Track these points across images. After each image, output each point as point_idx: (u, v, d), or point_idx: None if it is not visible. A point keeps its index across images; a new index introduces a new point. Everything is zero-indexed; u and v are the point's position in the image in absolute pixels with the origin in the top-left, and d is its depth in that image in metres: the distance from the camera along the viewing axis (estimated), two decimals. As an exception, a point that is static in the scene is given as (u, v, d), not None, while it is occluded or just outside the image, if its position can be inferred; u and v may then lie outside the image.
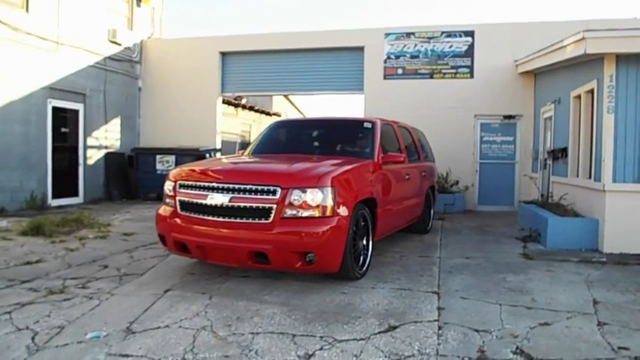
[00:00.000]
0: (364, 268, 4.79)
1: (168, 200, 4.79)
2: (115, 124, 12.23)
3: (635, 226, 5.89)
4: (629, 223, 5.90)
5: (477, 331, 3.34)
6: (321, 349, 3.03)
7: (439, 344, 3.12)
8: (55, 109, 10.25)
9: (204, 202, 4.34)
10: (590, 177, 6.65)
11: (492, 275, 4.90)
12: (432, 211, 7.87)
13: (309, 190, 4.09)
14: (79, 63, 10.83)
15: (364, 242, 4.87)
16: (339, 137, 5.99)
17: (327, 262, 4.18)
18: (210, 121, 12.59)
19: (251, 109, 18.89)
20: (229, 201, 4.20)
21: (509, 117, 10.84)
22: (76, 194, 10.96)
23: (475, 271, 5.05)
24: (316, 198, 4.10)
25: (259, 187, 4.15)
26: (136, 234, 7.16)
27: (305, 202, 4.08)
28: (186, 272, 4.94)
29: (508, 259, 5.70)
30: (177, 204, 4.60)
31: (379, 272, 4.97)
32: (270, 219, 4.08)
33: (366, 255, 4.88)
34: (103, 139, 11.78)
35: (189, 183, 4.54)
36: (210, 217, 4.30)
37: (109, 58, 11.84)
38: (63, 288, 4.36)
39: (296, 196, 4.09)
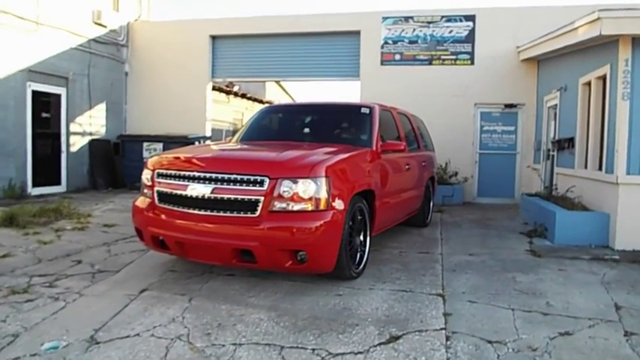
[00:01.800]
0: (361, 267, 4.38)
1: (145, 191, 4.35)
2: (100, 109, 11.69)
3: (649, 222, 5.52)
4: (643, 219, 5.53)
5: (489, 342, 2.94)
6: (312, 364, 2.63)
7: (448, 359, 2.72)
8: (35, 93, 9.70)
9: (184, 193, 3.90)
10: (600, 169, 6.25)
11: (500, 274, 4.51)
12: (431, 204, 7.47)
13: (300, 181, 3.66)
14: (61, 45, 10.27)
15: (361, 238, 4.46)
16: (334, 123, 5.55)
17: (321, 261, 3.76)
18: (200, 107, 12.07)
19: (243, 96, 18.36)
20: (212, 192, 3.76)
21: (511, 106, 10.42)
22: (58, 183, 10.45)
23: (481, 270, 4.66)
24: (309, 189, 3.67)
25: (245, 177, 3.71)
26: (118, 225, 6.71)
27: (296, 194, 3.65)
28: (166, 269, 4.51)
29: (514, 256, 5.31)
30: (155, 195, 4.16)
31: (377, 270, 4.56)
32: (257, 213, 3.65)
33: (363, 252, 4.47)
34: (87, 126, 11.25)
35: (169, 172, 4.09)
36: (190, 210, 3.86)
37: (94, 40, 11.27)
38: (27, 287, 3.93)
39: (286, 187, 3.65)
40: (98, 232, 6.33)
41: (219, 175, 3.78)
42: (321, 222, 3.66)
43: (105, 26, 11.51)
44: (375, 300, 3.69)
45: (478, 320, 3.31)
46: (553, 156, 8.67)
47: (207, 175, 3.83)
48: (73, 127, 10.78)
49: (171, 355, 2.72)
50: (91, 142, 11.30)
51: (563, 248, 5.68)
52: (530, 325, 3.23)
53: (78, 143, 10.97)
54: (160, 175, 4.16)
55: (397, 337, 2.99)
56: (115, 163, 11.71)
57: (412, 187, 6.21)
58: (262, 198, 3.65)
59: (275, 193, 3.65)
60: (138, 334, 2.99)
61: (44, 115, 10.13)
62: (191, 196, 3.85)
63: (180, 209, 3.93)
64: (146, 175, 4.35)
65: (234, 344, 2.87)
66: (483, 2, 10.35)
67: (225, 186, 3.74)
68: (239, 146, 5.11)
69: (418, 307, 3.56)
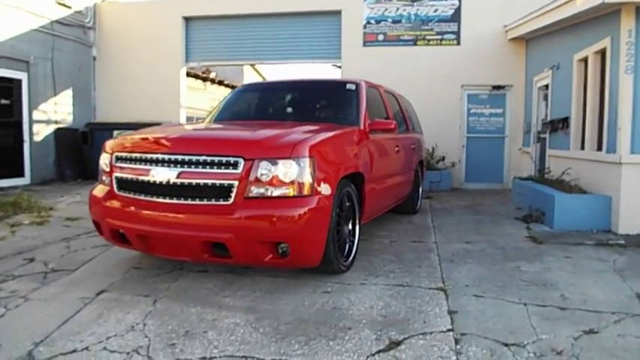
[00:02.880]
0: (350, 259, 3.91)
1: (104, 178, 3.80)
2: (67, 96, 10.95)
3: (654, 204, 5.18)
4: (649, 201, 5.18)
5: (506, 345, 2.51)
6: (299, 381, 2.16)
7: (461, 368, 2.28)
8: (-9, 77, 8.97)
9: (146, 178, 3.37)
10: (600, 149, 5.90)
11: (503, 264, 4.09)
12: (420, 189, 7.04)
13: (281, 162, 3.16)
14: (20, 26, 9.50)
15: (349, 227, 3.99)
16: (318, 101, 5.05)
17: (306, 254, 3.28)
18: (173, 94, 11.41)
19: (220, 83, 17.72)
20: (177, 177, 3.24)
21: (499, 87, 10.04)
22: (21, 174, 9.73)
23: (481, 259, 4.24)
24: (291, 172, 3.17)
25: (216, 159, 3.19)
26: (82, 219, 6.10)
27: (276, 177, 3.15)
28: (131, 266, 3.98)
29: (514, 243, 4.92)
30: (114, 182, 3.62)
31: (368, 262, 4.11)
32: (231, 200, 3.15)
33: (353, 242, 4.01)
34: (52, 113, 10.51)
35: (128, 155, 3.55)
36: (153, 199, 3.34)
37: (57, 22, 10.50)
38: (-37, 292, 3.37)
39: (264, 169, 3.15)
40: (59, 226, 5.74)
41: (186, 157, 3.26)
42: (305, 209, 3.17)
43: (69, 7, 10.76)
44: (369, 297, 3.24)
45: (488, 318, 2.87)
46: (544, 138, 8.32)
47: (173, 157, 3.30)
48: (36, 115, 10.04)
49: (125, 375, 2.22)
50: (57, 131, 10.57)
51: (564, 234, 5.32)
52: (549, 322, 2.81)
53: (42, 132, 10.24)
54: (119, 159, 3.62)
55: (398, 343, 2.54)
56: (83, 152, 10.99)
57: (402, 171, 5.76)
58: (236, 182, 3.14)
59: (251, 177, 3.15)
60: (86, 348, 2.48)
61: (3, 102, 9.39)
62: (154, 182, 3.32)
63: (142, 197, 3.40)
64: (104, 160, 3.81)
65: (204, 358, 2.38)
66: (469, -21, 9.88)
67: (193, 169, 3.23)
68: (211, 126, 4.57)
69: (418, 303, 3.12)
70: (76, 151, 10.95)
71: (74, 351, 2.45)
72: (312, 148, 3.30)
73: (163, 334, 2.65)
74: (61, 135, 10.64)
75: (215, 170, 3.19)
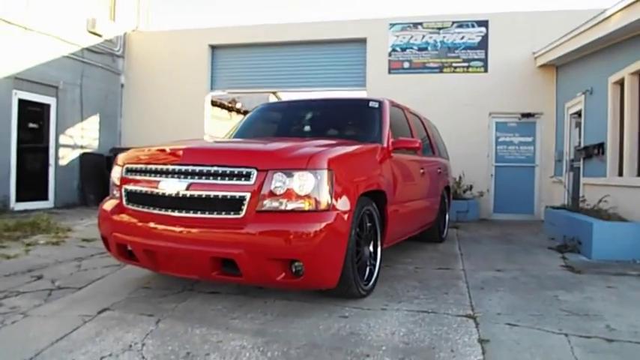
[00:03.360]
0: (371, 283, 3.63)
1: (115, 192, 3.66)
2: (93, 122, 11.11)
3: None
4: (697, 229, 4.77)
5: (547, 379, 2.19)
6: (307, 411, 1.88)
7: (495, 404, 1.97)
8: (21, 101, 9.13)
9: (155, 190, 3.20)
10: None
11: (538, 292, 3.74)
12: (447, 217, 6.72)
13: (296, 174, 2.96)
14: (52, 52, 9.74)
15: (371, 249, 3.73)
16: (340, 120, 4.86)
17: (321, 273, 3.03)
18: (198, 121, 11.46)
19: (245, 113, 17.83)
20: (187, 188, 3.06)
21: (528, 115, 9.73)
22: (45, 198, 9.80)
23: (514, 287, 3.90)
24: (307, 185, 2.96)
25: (228, 170, 3.01)
26: (98, 240, 5.81)
27: (290, 190, 2.94)
28: (139, 286, 3.78)
29: (550, 272, 4.55)
30: (123, 195, 3.47)
31: (390, 288, 3.82)
32: (242, 213, 2.94)
33: (374, 266, 3.73)
34: (78, 138, 10.64)
35: (139, 167, 3.41)
36: (162, 212, 3.16)
37: (88, 49, 10.77)
38: (-37, 307, 3.21)
39: (278, 181, 2.95)
40: (74, 247, 5.63)
41: (197, 168, 3.08)
42: (322, 225, 2.93)
43: (100, 35, 11.03)
44: (390, 323, 2.94)
45: (524, 349, 2.54)
46: (577, 168, 7.95)
47: (183, 168, 3.14)
48: (62, 140, 10.18)
49: (113, 398, 1.98)
50: (82, 156, 10.68)
51: (604, 264, 4.92)
52: (595, 355, 2.47)
53: (68, 156, 10.35)
54: (129, 171, 3.47)
55: (422, 373, 2.24)
56: (107, 177, 11.00)
57: (427, 196, 5.49)
58: (248, 195, 2.94)
59: (264, 189, 2.95)
60: (77, 367, 2.26)
61: (31, 125, 9.55)
62: (163, 194, 3.15)
63: (151, 210, 3.23)
64: (115, 174, 3.68)
65: (203, 382, 2.13)
66: (496, 7, 9.79)
67: (203, 180, 3.05)
68: (225, 139, 4.42)
69: (445, 331, 2.81)
70: (101, 176, 10.99)
71: (63, 370, 2.23)
72: (330, 161, 3.09)
73: (162, 355, 2.41)
74: (86, 160, 10.73)
75: (226, 182, 3.00)
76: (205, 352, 2.45)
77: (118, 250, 3.44)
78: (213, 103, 13.11)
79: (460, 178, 9.48)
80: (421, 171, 5.16)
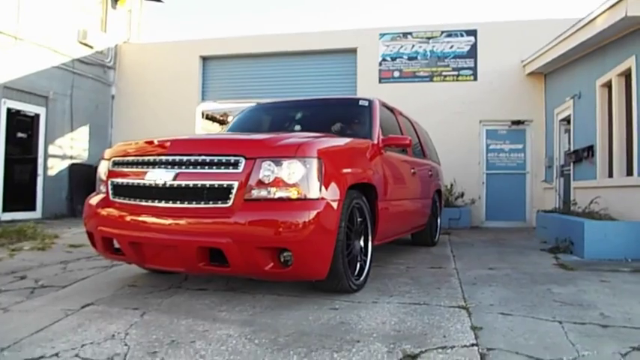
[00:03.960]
0: (362, 278, 3.57)
1: (101, 187, 3.60)
2: (83, 132, 11.04)
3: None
4: (688, 226, 4.77)
5: (541, 360, 2.13)
6: (295, 391, 1.81)
7: (489, 382, 1.91)
8: (10, 111, 9.06)
9: (141, 182, 3.15)
10: (630, 173, 5.54)
11: (531, 287, 3.70)
12: (438, 220, 6.69)
13: (285, 162, 2.91)
14: (42, 62, 9.70)
15: (361, 244, 3.67)
16: (331, 118, 4.81)
17: (310, 263, 2.96)
18: (189, 131, 11.36)
19: (237, 125, 17.82)
20: (174, 178, 3.00)
21: (518, 122, 9.80)
22: (33, 208, 9.65)
23: (507, 283, 3.85)
24: (295, 173, 2.91)
25: (215, 159, 2.96)
26: (85, 246, 5.82)
27: (279, 178, 2.90)
28: (125, 285, 3.70)
29: (542, 269, 4.51)
30: (109, 188, 3.41)
31: (382, 284, 3.76)
32: (230, 202, 2.89)
33: (364, 261, 3.67)
34: (67, 149, 10.55)
35: (125, 159, 3.36)
36: (148, 203, 3.10)
37: (78, 60, 10.74)
38: (-56, 304, 3.11)
39: (267, 170, 2.90)
40: (60, 252, 5.53)
41: (184, 158, 3.04)
42: (311, 214, 2.88)
43: (91, 47, 11.02)
44: (381, 314, 2.88)
45: (518, 334, 2.49)
46: (568, 174, 7.97)
47: (170, 158, 3.09)
48: (52, 150, 10.08)
49: (92, 381, 1.90)
50: (72, 167, 10.58)
51: (596, 262, 4.89)
52: (590, 339, 2.42)
53: (57, 167, 10.24)
54: (116, 164, 3.42)
55: (414, 356, 2.18)
56: (96, 188, 10.91)
57: (418, 196, 5.46)
58: (236, 183, 2.89)
59: (252, 178, 2.90)
60: (57, 354, 2.17)
61: (20, 135, 9.45)
62: (150, 185, 3.09)
63: (137, 202, 3.17)
64: (102, 168, 3.62)
65: (187, 365, 2.05)
66: (485, 17, 9.90)
67: (190, 170, 3.00)
68: (214, 133, 4.37)
69: (437, 320, 2.75)
70: (90, 186, 10.71)
71: (42, 357, 2.15)
72: (319, 150, 3.05)
73: (145, 342, 2.34)
74: (76, 170, 10.62)
75: (214, 170, 2.95)
76: (191, 340, 2.37)
77: (103, 245, 3.37)
78: (206, 117, 13.07)
79: (452, 185, 9.48)
80: (412, 171, 5.14)
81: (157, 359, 2.14)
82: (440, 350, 2.25)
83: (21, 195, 9.36)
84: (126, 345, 2.30)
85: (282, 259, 2.90)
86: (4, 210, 8.89)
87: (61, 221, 9.37)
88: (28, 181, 9.60)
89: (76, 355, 2.17)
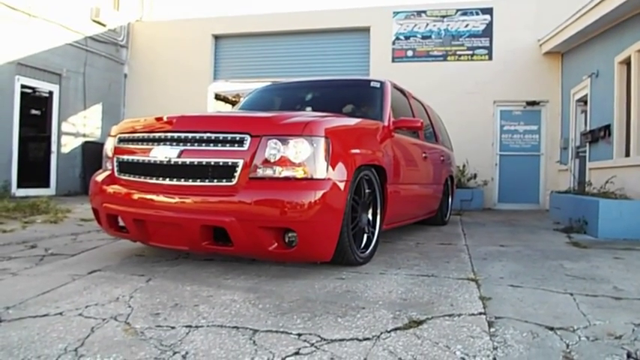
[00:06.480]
0: (368, 251, 3.52)
1: (107, 164, 3.60)
2: (96, 110, 11.08)
3: None
4: None
5: (550, 328, 2.08)
6: (296, 353, 1.79)
7: (495, 348, 1.87)
8: (24, 88, 9.11)
9: (146, 159, 3.12)
10: (648, 153, 5.40)
11: (542, 262, 3.64)
12: (450, 200, 6.60)
13: (292, 141, 2.83)
14: (55, 40, 9.71)
15: (369, 216, 3.62)
16: (341, 99, 4.72)
17: (315, 245, 2.90)
18: (201, 110, 11.41)
19: (249, 107, 17.77)
20: (179, 155, 2.95)
21: (533, 103, 9.61)
22: (46, 185, 9.77)
23: (518, 259, 3.79)
24: (302, 152, 2.83)
25: (220, 136, 2.90)
26: None
27: (285, 157, 2.82)
28: (132, 254, 3.71)
29: (554, 247, 4.44)
30: (115, 165, 3.40)
31: (390, 258, 3.72)
32: (235, 180, 2.83)
33: (372, 233, 3.63)
34: (80, 126, 10.61)
35: (131, 136, 3.33)
36: (153, 180, 3.07)
37: (91, 38, 10.74)
38: (-46, 268, 3.14)
39: (272, 148, 2.82)
40: (72, 225, 5.57)
41: (190, 135, 2.98)
42: (317, 194, 2.79)
43: (104, 25, 11.00)
44: (388, 284, 2.84)
45: (528, 304, 2.44)
46: (582, 154, 7.82)
47: (175, 135, 3.04)
48: (65, 127, 10.15)
49: (94, 337, 1.90)
50: (85, 144, 10.65)
51: (610, 242, 4.80)
52: (602, 310, 2.36)
53: (70, 144, 10.32)
54: (122, 141, 3.40)
55: (420, 322, 2.14)
56: (109, 166, 10.99)
57: (429, 182, 5.36)
58: (241, 161, 2.83)
59: (258, 156, 2.83)
60: (60, 313, 2.18)
61: (34, 112, 9.53)
62: (154, 162, 3.06)
63: (142, 179, 3.14)
64: (108, 145, 3.61)
65: (189, 326, 2.04)
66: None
67: (195, 147, 2.94)
68: (221, 111, 4.32)
69: (445, 290, 2.71)
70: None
71: (45, 315, 2.15)
72: (327, 129, 2.97)
73: (149, 305, 2.33)
74: (88, 148, 10.69)
75: (219, 148, 2.89)
76: (194, 304, 2.36)
77: (108, 222, 3.37)
78: (218, 97, 13.03)
79: (464, 166, 9.36)
80: (423, 155, 5.04)
81: (159, 319, 2.13)
82: (447, 317, 2.21)
83: (35, 172, 9.46)
84: (129, 307, 2.29)
85: (286, 240, 2.86)
86: (19, 186, 9.00)
87: (74, 198, 9.47)
88: (42, 158, 9.70)
89: (80, 314, 2.17)
